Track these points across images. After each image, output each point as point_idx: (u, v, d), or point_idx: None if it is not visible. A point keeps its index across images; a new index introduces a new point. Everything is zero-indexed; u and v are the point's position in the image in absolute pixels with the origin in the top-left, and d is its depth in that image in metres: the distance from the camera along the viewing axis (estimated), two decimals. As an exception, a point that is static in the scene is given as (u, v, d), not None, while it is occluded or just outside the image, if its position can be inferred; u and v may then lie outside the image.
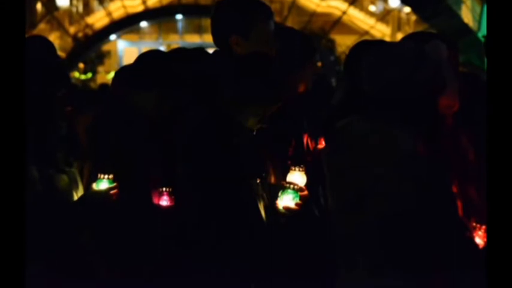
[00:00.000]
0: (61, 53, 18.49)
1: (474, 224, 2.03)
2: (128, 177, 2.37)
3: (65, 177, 2.32)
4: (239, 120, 2.27)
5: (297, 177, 2.38)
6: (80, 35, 21.90)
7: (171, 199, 2.42)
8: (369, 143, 2.00)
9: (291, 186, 2.31)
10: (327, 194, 2.18)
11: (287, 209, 2.29)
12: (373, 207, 1.94)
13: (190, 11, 21.98)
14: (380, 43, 2.36)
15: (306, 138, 2.58)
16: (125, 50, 23.83)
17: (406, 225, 1.91)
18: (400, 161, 1.94)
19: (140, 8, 22.52)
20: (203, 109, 2.29)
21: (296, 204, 2.30)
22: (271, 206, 2.32)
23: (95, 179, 2.36)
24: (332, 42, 20.50)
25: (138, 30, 23.83)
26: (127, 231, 2.39)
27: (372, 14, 23.21)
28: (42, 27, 20.99)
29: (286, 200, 2.30)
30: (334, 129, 2.10)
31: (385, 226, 1.91)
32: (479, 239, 2.02)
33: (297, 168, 2.38)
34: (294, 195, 2.30)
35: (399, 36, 18.45)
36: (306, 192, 2.35)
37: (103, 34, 22.35)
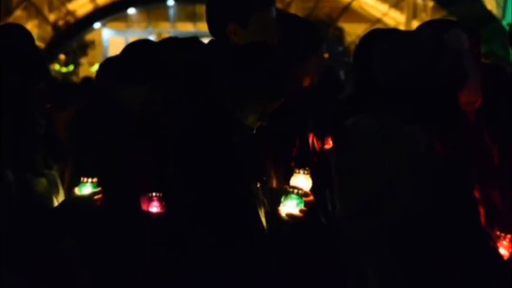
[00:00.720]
0: (39, 43, 18.49)
1: (498, 233, 2.03)
2: (113, 180, 2.37)
3: (43, 181, 2.32)
4: (237, 117, 2.27)
5: (302, 180, 2.38)
6: (61, 23, 21.91)
7: (161, 205, 2.43)
8: (382, 141, 2.00)
9: (295, 190, 2.31)
10: (334, 199, 2.18)
11: (290, 216, 2.29)
12: (385, 212, 1.94)
13: (182, -3, 22.00)
14: (393, 32, 2.36)
15: (311, 138, 2.58)
16: (111, 39, 23.84)
17: (422, 233, 1.92)
18: (416, 161, 1.94)
19: (127, -7, 22.52)
20: (198, 102, 2.30)
21: (300, 211, 2.30)
22: (272, 213, 2.32)
23: (77, 182, 2.36)
24: (340, 31, 20.50)
25: (125, 18, 23.83)
26: (113, 240, 2.39)
27: (384, -1, 23.21)
28: (18, 15, 20.99)
29: (290, 206, 2.29)
30: (342, 126, 2.10)
31: (398, 232, 1.92)
32: (504, 250, 2.03)
33: (301, 171, 2.39)
34: (298, 200, 2.30)
35: (415, 24, 18.46)
36: (311, 198, 2.35)
37: (86, 22, 22.35)
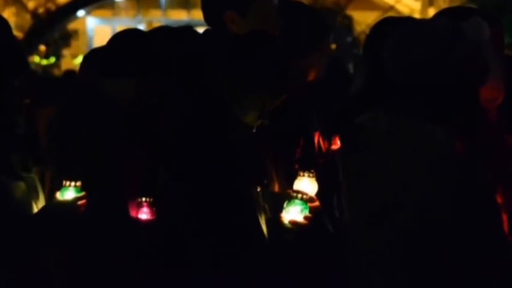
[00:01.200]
0: (17, 33, 18.50)
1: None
2: (99, 184, 2.37)
3: (22, 185, 2.32)
4: (235, 114, 2.28)
5: (307, 184, 2.38)
6: (41, 10, 21.90)
7: (152, 211, 2.43)
8: (396, 141, 2.01)
9: (299, 195, 2.31)
10: (342, 205, 2.18)
11: (294, 223, 2.30)
12: (399, 220, 1.95)
13: (175, -18, 22.01)
14: (407, 20, 2.36)
15: (317, 137, 2.59)
16: (96, 29, 23.84)
17: (439, 242, 1.92)
18: (434, 163, 1.94)
19: (114, -22, 22.55)
20: (192, 96, 2.31)
21: (305, 218, 2.30)
22: (274, 220, 2.33)
23: (59, 186, 2.36)
24: (349, 20, 20.50)
25: (111, 5, 23.83)
26: (98, 250, 2.39)
27: (397, -15, 23.22)
28: (-6, 2, 21.02)
29: (293, 213, 2.30)
30: (352, 125, 2.11)
31: (413, 242, 1.92)
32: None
33: (306, 174, 2.39)
34: (302, 206, 2.30)
35: (431, 12, 18.46)
36: (317, 203, 2.35)
37: (69, 9, 22.34)
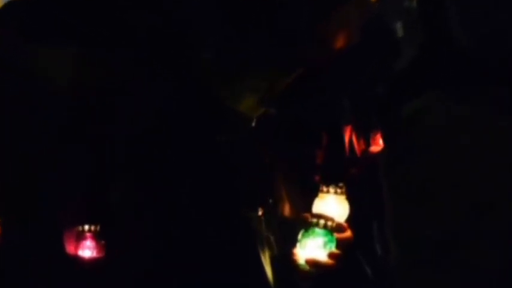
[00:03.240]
0: None
1: None
2: (20, 206, 2.42)
3: None
4: (228, 103, 2.35)
5: (332, 205, 2.40)
6: None
7: (99, 246, 2.48)
8: (464, 142, 2.00)
9: (321, 222, 2.32)
10: (387, 237, 2.14)
11: (314, 263, 2.31)
12: (471, 259, 1.93)
13: None
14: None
15: (347, 134, 2.61)
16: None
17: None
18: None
19: None
20: (166, 82, 2.37)
21: (330, 256, 2.31)
22: (283, 259, 2.36)
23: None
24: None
25: None
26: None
27: None
28: None
29: (313, 248, 2.32)
30: (400, 116, 2.10)
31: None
32: None
33: (331, 189, 2.40)
34: (326, 238, 2.33)
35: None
36: (348, 234, 2.36)
37: None
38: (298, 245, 2.32)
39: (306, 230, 2.33)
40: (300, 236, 2.33)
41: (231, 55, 2.31)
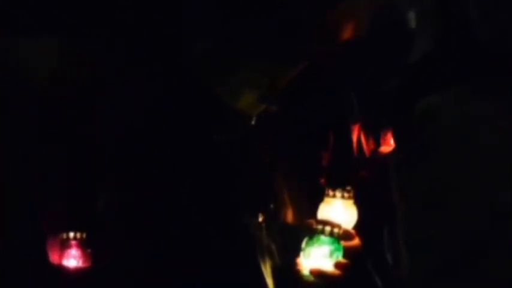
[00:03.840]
0: None
1: None
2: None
3: None
4: (226, 98, 2.32)
5: (339, 210, 2.37)
6: None
7: (85, 254, 2.44)
8: (486, 142, 1.93)
9: (327, 229, 2.29)
10: (399, 246, 2.09)
11: (319, 274, 2.27)
12: (494, 265, 1.86)
13: None
14: None
15: (356, 133, 2.58)
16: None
17: None
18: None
19: None
20: (157, 77, 2.36)
21: (337, 266, 2.28)
22: (286, 269, 2.32)
23: None
24: None
25: None
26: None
27: None
28: None
29: (318, 257, 2.28)
30: (413, 113, 2.04)
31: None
32: None
33: (338, 194, 2.37)
34: (332, 247, 2.29)
35: None
36: (356, 242, 2.34)
37: None
38: (302, 254, 2.30)
39: (311, 238, 2.30)
40: (303, 244, 2.31)
41: (229, 44, 2.32)
